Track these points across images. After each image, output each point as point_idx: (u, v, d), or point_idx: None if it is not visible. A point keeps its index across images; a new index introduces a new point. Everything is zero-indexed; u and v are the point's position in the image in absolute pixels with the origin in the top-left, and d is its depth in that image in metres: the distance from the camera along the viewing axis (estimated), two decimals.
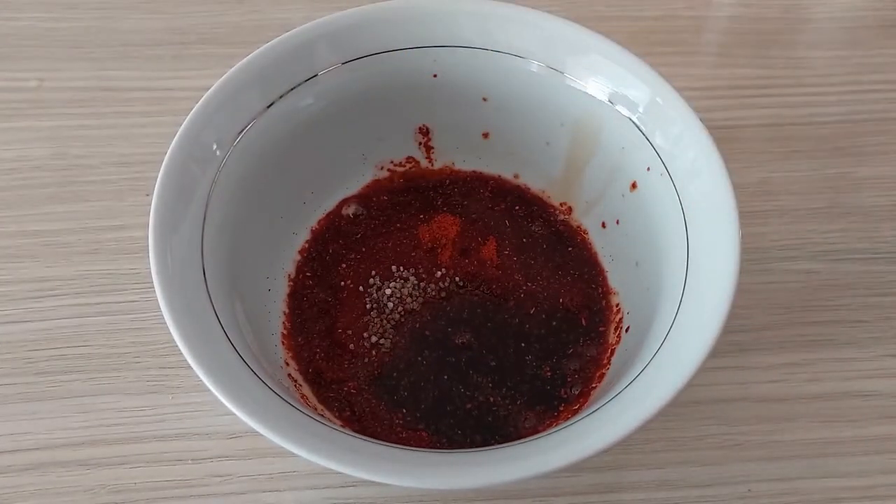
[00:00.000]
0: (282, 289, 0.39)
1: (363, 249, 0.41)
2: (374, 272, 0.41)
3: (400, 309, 0.39)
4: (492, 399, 0.37)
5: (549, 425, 0.35)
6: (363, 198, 0.43)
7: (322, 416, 0.33)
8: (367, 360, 0.38)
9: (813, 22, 0.55)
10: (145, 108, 0.48)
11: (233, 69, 0.35)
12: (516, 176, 0.43)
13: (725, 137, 0.35)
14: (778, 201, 0.45)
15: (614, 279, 0.40)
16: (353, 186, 0.43)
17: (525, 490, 0.36)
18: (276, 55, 0.36)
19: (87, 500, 0.35)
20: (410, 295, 0.40)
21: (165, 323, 0.29)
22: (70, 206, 0.44)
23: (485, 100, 0.40)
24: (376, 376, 0.37)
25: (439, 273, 0.41)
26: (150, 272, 0.30)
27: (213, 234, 0.33)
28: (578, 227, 0.42)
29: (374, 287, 0.40)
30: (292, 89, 0.37)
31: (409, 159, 0.43)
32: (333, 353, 0.38)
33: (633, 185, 0.38)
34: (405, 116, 0.41)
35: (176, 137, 0.33)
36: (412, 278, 0.40)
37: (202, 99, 0.34)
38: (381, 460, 0.28)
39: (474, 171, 0.44)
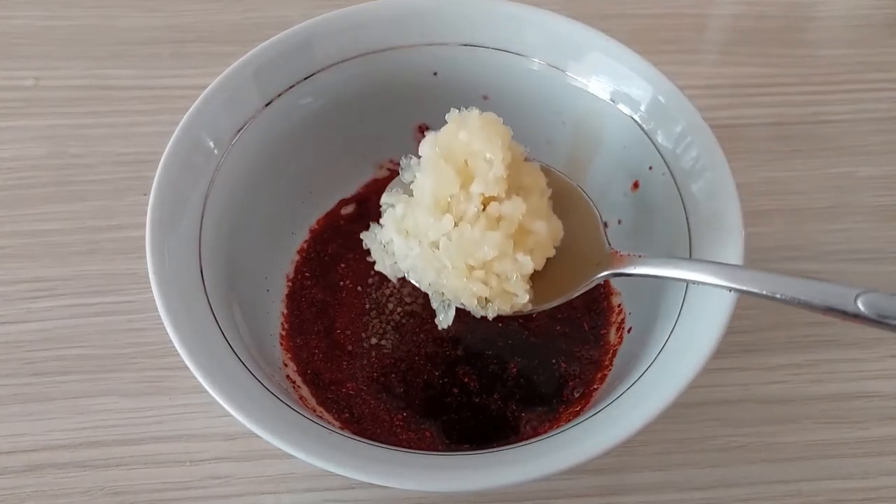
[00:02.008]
0: (280, 289, 0.39)
1: (362, 249, 0.41)
2: (372, 272, 0.40)
3: (399, 310, 0.39)
4: (492, 401, 0.36)
5: (551, 427, 0.35)
6: (363, 197, 0.42)
7: (321, 417, 0.33)
8: (366, 361, 0.38)
9: (816, 20, 0.54)
10: (143, 106, 0.48)
11: (231, 67, 0.35)
12: None
13: (728, 136, 0.35)
14: (782, 201, 0.45)
15: (616, 280, 0.40)
16: (353, 186, 0.42)
17: (526, 492, 0.35)
18: (274, 53, 0.36)
19: (84, 501, 0.35)
20: (410, 294, 0.39)
21: (163, 324, 0.29)
22: (67, 206, 0.44)
23: (485, 98, 0.40)
24: (375, 377, 0.37)
25: None
26: (147, 272, 0.30)
27: (211, 234, 0.33)
28: None
29: (374, 287, 0.40)
30: (291, 87, 0.37)
31: None
32: (332, 354, 0.38)
33: (636, 185, 0.37)
34: (405, 115, 0.41)
35: (173, 136, 0.33)
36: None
37: (200, 97, 0.34)
38: (380, 463, 0.28)
39: None
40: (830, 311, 0.25)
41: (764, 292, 0.27)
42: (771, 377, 0.39)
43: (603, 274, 0.31)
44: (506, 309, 0.31)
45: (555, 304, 0.31)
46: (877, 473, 0.36)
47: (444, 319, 0.32)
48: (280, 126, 0.37)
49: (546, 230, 0.30)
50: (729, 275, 0.28)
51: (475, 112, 0.30)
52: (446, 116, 0.31)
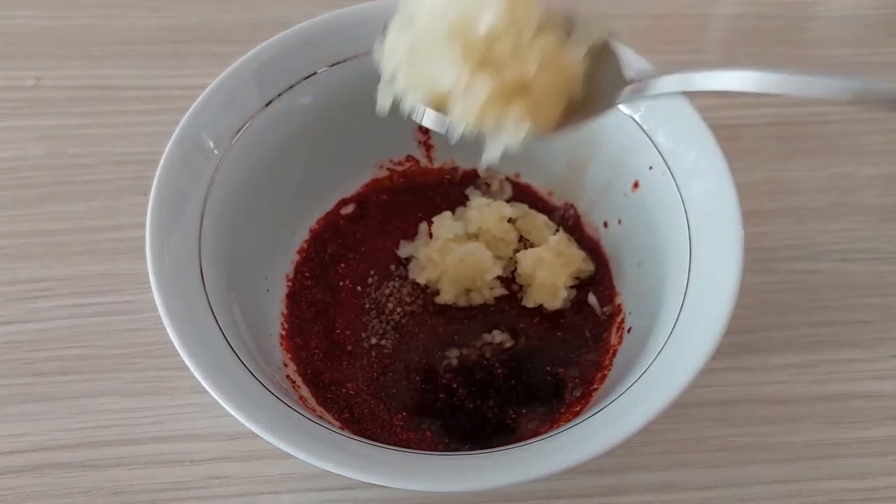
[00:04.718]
0: (280, 289, 0.39)
1: (362, 249, 0.41)
2: (372, 272, 0.40)
3: (399, 310, 0.39)
4: (492, 401, 0.36)
5: (550, 427, 0.35)
6: (363, 197, 0.42)
7: (321, 417, 0.33)
8: (366, 361, 0.38)
9: (816, 20, 0.54)
10: (143, 106, 0.48)
11: (231, 67, 0.35)
12: (518, 175, 0.43)
13: (728, 136, 0.35)
14: (781, 201, 0.45)
15: (616, 279, 0.40)
16: (353, 185, 0.42)
17: (526, 492, 0.35)
18: (274, 53, 0.36)
19: (84, 501, 0.35)
20: (410, 294, 0.39)
21: (163, 324, 0.29)
22: (67, 206, 0.44)
23: None
24: (375, 377, 0.37)
25: None
26: (147, 272, 0.30)
27: (211, 234, 0.33)
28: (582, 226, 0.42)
29: (373, 287, 0.40)
30: (291, 87, 0.37)
31: (409, 158, 0.43)
32: (332, 354, 0.38)
33: (635, 185, 0.37)
34: (405, 115, 0.41)
35: (173, 136, 0.33)
36: (411, 277, 0.40)
37: (200, 97, 0.34)
38: (380, 463, 0.28)
39: (474, 171, 0.43)
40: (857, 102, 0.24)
41: (783, 90, 0.26)
42: (771, 377, 0.39)
43: (620, 99, 0.29)
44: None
45: (566, 130, 0.29)
46: (877, 473, 0.36)
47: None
48: (280, 126, 0.37)
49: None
50: (746, 79, 0.26)
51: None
52: None
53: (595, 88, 0.29)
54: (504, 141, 0.28)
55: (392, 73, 0.29)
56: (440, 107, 0.28)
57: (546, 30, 0.28)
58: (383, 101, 0.29)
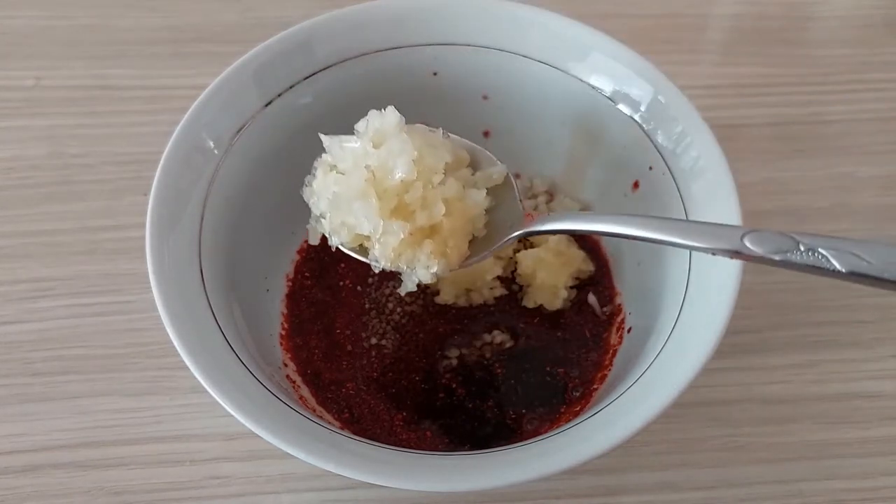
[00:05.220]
0: (280, 289, 0.39)
1: None
2: (373, 271, 0.40)
3: (399, 310, 0.39)
4: (492, 401, 0.36)
5: (551, 427, 0.35)
6: None
7: (321, 417, 0.33)
8: (366, 361, 0.38)
9: (816, 20, 0.54)
10: (143, 106, 0.48)
11: (231, 67, 0.35)
12: (518, 175, 0.43)
13: (729, 136, 0.35)
14: (781, 201, 0.45)
15: (616, 279, 0.40)
16: None
17: (526, 492, 0.35)
18: (274, 53, 0.36)
19: (84, 501, 0.35)
20: (410, 294, 0.39)
21: (163, 324, 0.29)
22: (67, 206, 0.44)
23: (485, 98, 0.40)
24: (375, 377, 0.37)
25: None
26: (147, 272, 0.30)
27: (211, 234, 0.33)
28: None
29: (373, 287, 0.40)
30: (291, 87, 0.37)
31: None
32: (332, 354, 0.38)
33: (636, 185, 0.37)
34: (405, 115, 0.41)
35: (173, 136, 0.33)
36: None
37: (200, 97, 0.34)
38: (380, 463, 0.28)
39: None
40: (720, 251, 0.26)
41: (650, 236, 0.28)
42: (771, 377, 0.39)
43: (515, 234, 0.32)
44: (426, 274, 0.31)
45: (471, 263, 0.32)
46: (877, 473, 0.36)
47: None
48: (280, 126, 0.37)
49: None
50: (619, 222, 0.29)
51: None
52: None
53: (497, 221, 0.33)
54: (417, 276, 0.31)
55: (319, 214, 0.32)
56: (362, 242, 0.32)
57: (453, 171, 0.32)
58: (314, 237, 0.33)
